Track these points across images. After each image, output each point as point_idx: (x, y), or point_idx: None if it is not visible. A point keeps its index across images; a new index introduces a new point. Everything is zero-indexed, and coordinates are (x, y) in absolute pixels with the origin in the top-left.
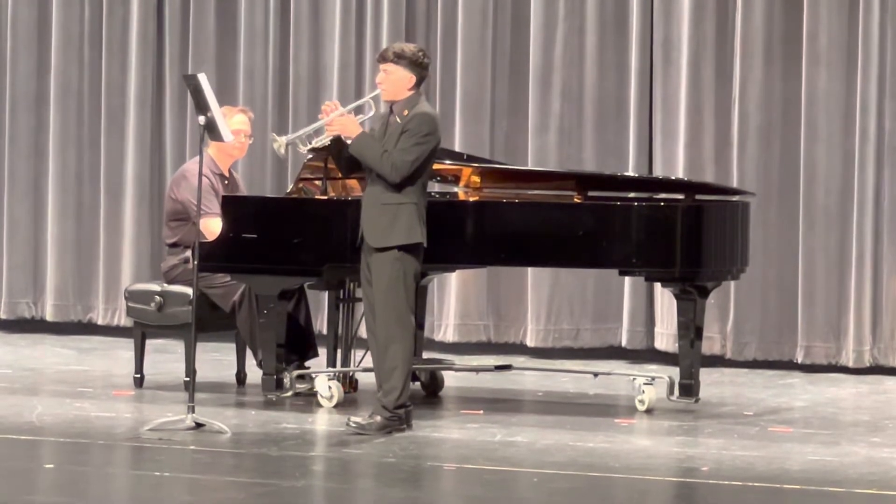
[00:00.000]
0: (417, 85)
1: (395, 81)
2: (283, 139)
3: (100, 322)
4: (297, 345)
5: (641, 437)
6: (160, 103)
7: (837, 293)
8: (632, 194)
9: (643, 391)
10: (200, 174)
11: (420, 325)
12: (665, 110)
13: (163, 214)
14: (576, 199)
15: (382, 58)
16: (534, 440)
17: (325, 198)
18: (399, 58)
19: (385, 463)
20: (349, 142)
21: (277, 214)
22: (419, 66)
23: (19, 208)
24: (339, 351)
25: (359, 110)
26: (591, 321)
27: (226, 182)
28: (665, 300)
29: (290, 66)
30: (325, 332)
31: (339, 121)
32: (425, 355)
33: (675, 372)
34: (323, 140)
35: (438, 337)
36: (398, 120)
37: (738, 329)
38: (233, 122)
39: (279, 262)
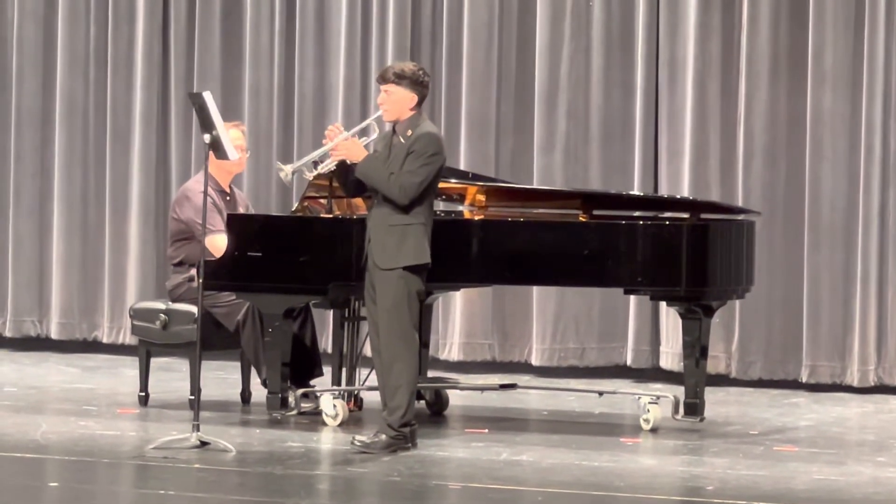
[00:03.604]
0: (419, 104)
1: (396, 101)
2: (288, 167)
3: (105, 340)
4: (302, 365)
5: (646, 456)
6: (165, 122)
7: (842, 312)
8: (637, 213)
9: (648, 410)
10: (206, 192)
11: (425, 344)
12: (670, 129)
13: (168, 232)
14: (581, 218)
15: (383, 78)
16: (539, 459)
17: (331, 216)
18: (399, 78)
19: (390, 482)
20: (355, 165)
21: (282, 233)
22: (420, 85)
23: (25, 226)
24: (344, 369)
25: (363, 133)
26: (596, 340)
27: (227, 198)
28: (670, 319)
29: (295, 84)
30: (330, 350)
31: (344, 144)
32: (430, 374)
33: (680, 391)
34: (328, 165)
35: (443, 355)
36: (402, 140)
37: (744, 348)
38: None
39: (284, 280)
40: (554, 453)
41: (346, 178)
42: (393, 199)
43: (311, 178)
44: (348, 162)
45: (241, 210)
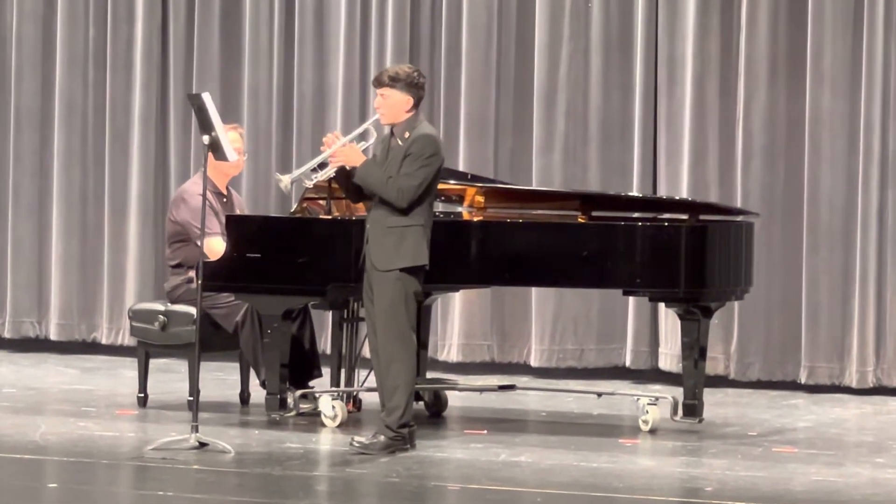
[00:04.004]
0: (415, 106)
1: (393, 105)
2: (286, 178)
3: (104, 341)
4: (301, 366)
5: (645, 457)
6: (164, 122)
7: (841, 313)
8: (636, 214)
9: (647, 411)
10: (205, 193)
11: (424, 345)
12: (669, 130)
13: (165, 235)
14: (580, 219)
15: (378, 82)
16: (537, 460)
17: (329, 217)
18: (395, 81)
19: (388, 483)
20: (354, 171)
21: (281, 234)
22: (415, 87)
23: (24, 227)
24: (342, 370)
25: (361, 137)
26: (595, 341)
27: (224, 200)
28: (669, 320)
29: (294, 85)
30: (328, 351)
31: (342, 151)
32: (429, 375)
33: (678, 392)
34: (328, 172)
35: (442, 357)
36: (399, 142)
37: (742, 349)
38: None
39: (283, 281)
40: (552, 454)
41: (349, 184)
42: (391, 202)
43: (310, 186)
44: (347, 168)
45: (238, 212)
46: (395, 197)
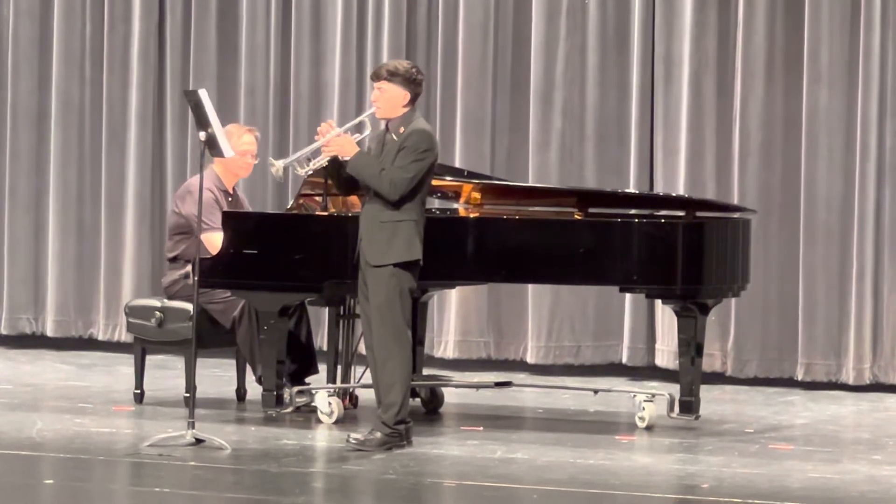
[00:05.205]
0: (412, 101)
1: (389, 99)
2: (279, 163)
3: (100, 338)
4: (298, 362)
5: (642, 454)
6: (161, 120)
7: (838, 310)
8: (633, 211)
9: (643, 408)
10: (201, 190)
11: (420, 342)
12: (666, 127)
13: (164, 229)
14: (576, 216)
15: (376, 76)
16: (534, 457)
17: (326, 214)
18: (393, 75)
19: (385, 480)
20: (347, 161)
21: (278, 230)
22: (413, 83)
23: (20, 224)
24: (339, 367)
25: (356, 129)
26: (591, 338)
27: (230, 199)
28: (666, 317)
29: (290, 82)
30: (325, 348)
31: (336, 141)
32: (425, 371)
33: (675, 389)
34: (321, 161)
35: (439, 353)
36: (394, 137)
37: (739, 346)
38: (241, 143)
39: (280, 278)
40: (549, 451)
41: (339, 175)
42: (383, 194)
43: (302, 174)
44: (340, 158)
45: None
46: (388, 189)
